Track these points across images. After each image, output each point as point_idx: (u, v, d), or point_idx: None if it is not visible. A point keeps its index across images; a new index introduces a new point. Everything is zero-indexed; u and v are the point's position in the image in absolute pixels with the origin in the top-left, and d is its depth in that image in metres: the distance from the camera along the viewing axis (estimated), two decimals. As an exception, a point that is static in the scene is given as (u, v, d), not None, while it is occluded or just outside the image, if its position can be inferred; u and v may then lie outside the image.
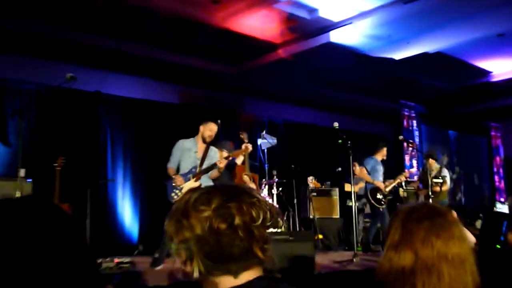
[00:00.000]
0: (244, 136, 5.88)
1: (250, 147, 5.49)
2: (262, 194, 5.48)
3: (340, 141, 5.90)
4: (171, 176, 5.07)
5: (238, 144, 7.29)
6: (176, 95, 8.34)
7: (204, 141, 5.12)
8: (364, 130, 10.57)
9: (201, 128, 5.20)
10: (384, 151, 7.35)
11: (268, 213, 1.04)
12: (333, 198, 8.45)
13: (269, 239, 1.03)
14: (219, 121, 5.36)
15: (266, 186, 7.23)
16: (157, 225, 3.08)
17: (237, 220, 1.02)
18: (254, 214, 1.03)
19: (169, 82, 8.04)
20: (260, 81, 8.23)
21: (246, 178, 6.57)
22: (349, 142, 5.82)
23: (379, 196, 6.98)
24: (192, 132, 5.36)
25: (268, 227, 1.04)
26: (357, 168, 7.43)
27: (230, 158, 5.19)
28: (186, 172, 5.08)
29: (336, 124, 5.88)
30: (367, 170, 7.23)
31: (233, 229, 1.01)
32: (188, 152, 5.15)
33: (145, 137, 7.66)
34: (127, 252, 6.48)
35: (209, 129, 5.16)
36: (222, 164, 4.98)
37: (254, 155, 8.05)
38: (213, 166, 4.98)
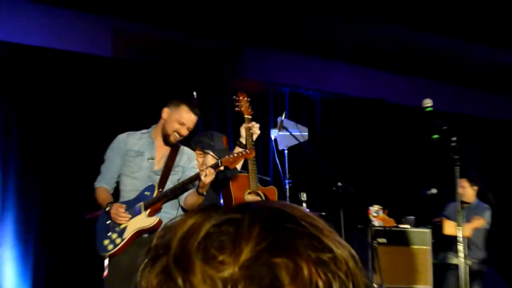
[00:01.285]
0: (242, 103, 5.59)
1: (257, 128, 5.40)
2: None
3: (436, 136, 5.42)
4: (102, 205, 4.89)
5: (232, 131, 7.52)
6: (108, 39, 8.46)
7: (167, 139, 4.90)
8: (492, 116, 11.25)
9: (165, 113, 4.91)
10: None
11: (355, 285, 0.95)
12: (419, 250, 7.90)
13: None
14: (194, 93, 5.41)
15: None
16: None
17: None
18: (322, 285, 0.92)
19: (98, 13, 8.34)
20: (274, 15, 8.60)
21: (250, 198, 5.77)
22: (454, 138, 5.40)
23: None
24: (145, 120, 5.28)
25: None
26: (469, 191, 7.57)
27: (222, 167, 4.77)
28: (132, 197, 4.82)
29: (428, 102, 5.49)
30: (490, 197, 7.04)
31: None
32: (137, 159, 4.91)
33: (47, 121, 7.73)
34: None
35: (180, 118, 4.84)
36: (208, 178, 4.56)
37: (264, 162, 8.32)
38: (187, 183, 4.71)
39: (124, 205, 4.83)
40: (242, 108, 5.66)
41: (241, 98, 5.69)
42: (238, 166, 5.74)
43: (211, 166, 4.72)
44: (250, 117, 5.59)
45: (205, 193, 4.77)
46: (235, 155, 4.85)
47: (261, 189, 5.96)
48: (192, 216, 1.00)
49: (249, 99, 5.73)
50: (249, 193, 5.82)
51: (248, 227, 0.95)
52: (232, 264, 0.92)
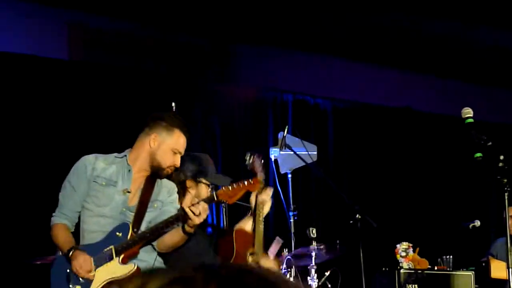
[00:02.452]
0: (253, 160, 5.68)
1: (269, 197, 5.60)
2: None
3: (479, 154, 5.41)
4: (62, 248, 4.84)
5: (221, 151, 8.01)
6: (64, 38, 8.53)
7: (158, 173, 4.95)
8: None
9: (154, 141, 4.92)
10: None
11: None
12: None
13: None
14: (173, 104, 5.68)
15: (293, 267, 7.05)
16: None
17: None
18: None
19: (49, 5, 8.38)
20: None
21: (251, 259, 5.83)
22: (502, 157, 5.44)
23: None
24: (117, 140, 5.47)
25: None
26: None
27: (223, 200, 4.97)
28: (100, 239, 4.81)
29: (468, 112, 5.52)
30: None
31: None
32: (107, 189, 4.90)
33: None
34: None
35: (176, 146, 4.91)
36: (201, 217, 4.61)
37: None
38: (173, 222, 4.75)
39: (86, 252, 4.76)
40: (255, 169, 5.61)
41: (253, 158, 5.68)
42: (247, 225, 5.99)
43: (204, 201, 4.70)
44: (263, 180, 5.59)
45: (191, 231, 4.73)
46: (235, 186, 4.81)
47: (265, 256, 6.02)
48: (132, 280, 1.05)
49: (261, 159, 5.78)
50: (251, 253, 5.85)
51: (203, 285, 1.00)
52: None
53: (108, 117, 7.62)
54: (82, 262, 4.68)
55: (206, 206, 4.65)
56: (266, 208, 5.68)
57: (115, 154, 5.02)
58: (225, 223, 6.99)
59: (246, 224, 5.94)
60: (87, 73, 8.20)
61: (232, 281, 1.04)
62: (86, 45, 8.57)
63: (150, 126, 4.93)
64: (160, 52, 8.83)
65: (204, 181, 5.30)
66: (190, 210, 4.62)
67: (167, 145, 4.90)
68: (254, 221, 5.86)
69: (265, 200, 5.59)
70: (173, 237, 4.80)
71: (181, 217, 4.72)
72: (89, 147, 5.39)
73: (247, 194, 5.73)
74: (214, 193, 4.84)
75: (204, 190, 5.24)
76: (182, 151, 4.99)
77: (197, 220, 4.62)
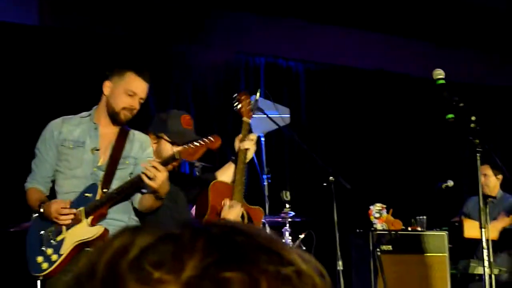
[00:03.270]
0: (244, 103, 5.70)
1: (253, 144, 5.59)
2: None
3: (450, 115, 5.49)
4: (34, 207, 4.86)
5: (195, 114, 6.95)
6: (34, 3, 8.44)
7: (115, 119, 4.92)
8: None
9: (107, 88, 4.93)
10: None
11: None
12: (433, 258, 7.98)
13: None
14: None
15: (267, 230, 7.07)
16: None
17: None
18: None
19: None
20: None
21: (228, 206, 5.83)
22: (473, 118, 5.52)
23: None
24: (84, 101, 5.33)
25: None
26: (493, 180, 7.72)
27: (179, 160, 4.93)
28: (72, 202, 4.77)
29: (439, 74, 5.56)
30: None
31: None
32: (76, 150, 4.89)
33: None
34: None
35: (129, 87, 4.89)
36: (157, 181, 4.53)
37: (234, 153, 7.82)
38: (138, 181, 4.67)
39: (67, 201, 4.74)
40: (242, 109, 5.67)
41: (243, 97, 5.73)
42: (225, 176, 6.03)
43: (164, 161, 4.69)
44: (250, 121, 5.65)
45: (163, 197, 4.74)
46: (196, 143, 4.82)
47: (245, 207, 5.99)
48: (119, 236, 1.03)
49: (251, 102, 5.81)
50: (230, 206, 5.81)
51: (191, 241, 0.98)
52: (174, 282, 0.94)
53: (80, 83, 7.54)
54: (58, 206, 4.68)
55: (161, 167, 4.61)
56: (249, 155, 5.69)
57: (83, 113, 5.03)
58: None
59: (227, 171, 5.96)
60: (58, 39, 8.14)
61: (221, 238, 1.03)
62: (55, 11, 8.45)
63: (108, 77, 4.95)
64: (131, 16, 8.75)
65: (164, 137, 5.30)
66: (144, 174, 4.61)
67: (119, 87, 4.89)
68: (234, 171, 5.87)
69: (247, 146, 5.59)
70: (148, 200, 4.82)
71: (135, 183, 4.75)
72: (62, 113, 5.29)
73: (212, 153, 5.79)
74: (175, 151, 4.82)
75: (166, 147, 5.23)
76: (139, 92, 4.96)
77: (154, 184, 4.60)
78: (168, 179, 4.75)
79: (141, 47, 8.41)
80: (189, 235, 1.00)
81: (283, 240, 0.97)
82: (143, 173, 4.59)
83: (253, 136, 5.59)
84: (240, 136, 5.51)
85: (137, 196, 4.89)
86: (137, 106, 4.89)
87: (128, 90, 4.84)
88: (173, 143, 5.14)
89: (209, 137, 4.89)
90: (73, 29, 8.39)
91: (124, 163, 4.88)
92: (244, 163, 5.79)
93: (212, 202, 5.69)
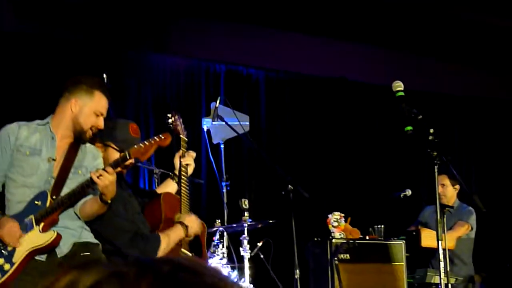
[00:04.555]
0: (177, 123, 5.78)
1: (192, 159, 5.67)
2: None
3: (409, 128, 5.55)
4: None
5: (153, 122, 8.02)
6: None
7: (81, 136, 4.90)
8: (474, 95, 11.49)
9: (75, 105, 4.86)
10: None
11: None
12: (390, 267, 7.98)
13: None
14: (105, 75, 5.59)
15: (225, 237, 7.23)
16: None
17: None
18: None
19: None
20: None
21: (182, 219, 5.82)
22: (431, 130, 5.58)
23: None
24: (37, 108, 5.53)
25: None
26: (450, 190, 7.83)
27: (132, 160, 4.82)
28: (22, 209, 4.72)
29: (398, 86, 5.63)
30: (477, 201, 6.75)
31: None
32: (31, 158, 4.82)
33: None
34: None
35: (98, 108, 4.89)
36: (105, 180, 4.53)
37: (194, 160, 7.39)
38: (88, 185, 4.64)
39: (13, 220, 4.66)
40: (178, 128, 5.75)
41: (175, 117, 5.83)
42: (170, 187, 6.04)
43: (114, 163, 4.67)
44: (186, 139, 5.71)
45: (109, 201, 4.71)
46: (146, 142, 4.82)
47: (192, 219, 5.90)
48: (67, 273, 1.05)
49: (181, 119, 5.90)
50: (179, 222, 5.76)
51: (136, 280, 1.00)
52: None
53: (40, 88, 7.45)
54: (9, 228, 4.64)
55: (111, 169, 4.60)
56: (190, 170, 5.72)
57: (37, 121, 4.95)
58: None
59: (168, 187, 5.96)
60: (19, 43, 8.05)
61: (167, 276, 1.06)
62: (17, 15, 8.35)
63: (70, 91, 4.88)
64: (92, 22, 8.67)
65: (112, 145, 5.28)
66: (95, 175, 4.59)
67: (89, 107, 4.86)
68: (179, 184, 5.89)
69: (188, 162, 5.63)
70: (93, 205, 4.77)
71: (85, 186, 4.68)
72: (19, 117, 5.21)
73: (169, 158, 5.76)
74: (126, 152, 4.79)
75: (114, 155, 5.19)
76: (104, 112, 4.97)
77: (101, 182, 4.58)
78: (116, 183, 4.73)
79: (101, 52, 8.33)
80: (135, 274, 1.02)
81: (228, 277, 1.02)
82: (94, 173, 4.54)
83: (193, 153, 5.66)
84: (180, 152, 5.57)
85: (79, 203, 4.84)
86: (102, 125, 4.89)
87: (97, 111, 4.85)
88: (121, 151, 5.12)
89: (159, 135, 4.90)
90: (33, 34, 8.27)
91: (76, 173, 4.86)
92: (186, 178, 5.84)
93: (166, 212, 5.70)
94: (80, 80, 4.89)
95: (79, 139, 4.89)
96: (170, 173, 5.79)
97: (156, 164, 7.76)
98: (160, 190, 6.03)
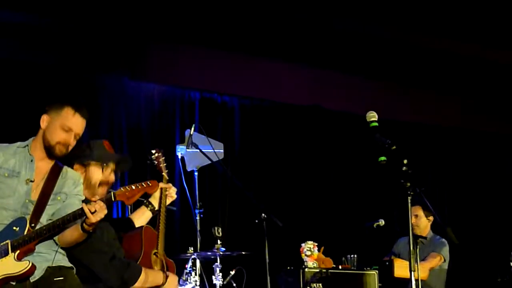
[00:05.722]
0: (160, 160, 5.88)
1: (174, 192, 5.73)
2: None
3: (383, 158, 5.46)
4: None
5: (127, 147, 7.90)
6: None
7: (50, 152, 4.83)
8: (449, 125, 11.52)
9: (44, 121, 4.86)
10: None
11: None
12: None
13: None
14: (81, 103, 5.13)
15: (197, 265, 7.23)
16: None
17: None
18: None
19: None
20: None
21: (153, 259, 5.79)
22: (405, 161, 5.45)
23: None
24: (23, 137, 5.06)
25: None
26: (424, 221, 7.90)
27: (121, 201, 4.78)
28: None
29: (372, 116, 5.55)
30: (450, 234, 6.55)
31: None
32: (10, 180, 4.75)
33: None
34: None
35: (66, 122, 4.82)
36: (98, 215, 4.47)
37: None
38: (70, 220, 4.55)
39: None
40: (161, 165, 5.81)
41: (158, 155, 5.88)
42: (141, 219, 6.00)
43: (103, 200, 4.62)
44: (168, 177, 5.72)
45: (90, 231, 4.65)
46: (134, 187, 4.79)
47: (165, 258, 5.96)
48: None
49: (164, 157, 5.94)
50: (155, 253, 5.83)
51: None
52: None
53: (13, 113, 7.41)
54: None
55: (103, 205, 4.57)
56: (168, 201, 5.75)
57: (18, 143, 4.90)
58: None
59: (143, 215, 5.92)
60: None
61: None
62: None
63: (46, 111, 4.87)
64: (65, 48, 8.60)
65: (92, 162, 5.25)
66: (87, 208, 4.52)
67: (56, 122, 4.84)
68: (158, 219, 5.84)
69: (174, 196, 5.68)
70: (73, 233, 4.69)
71: (78, 215, 4.60)
72: None
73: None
74: (112, 193, 4.75)
75: (96, 171, 5.21)
76: (75, 128, 4.90)
77: (93, 219, 4.53)
78: None
79: (75, 77, 8.25)
80: None
81: None
82: (88, 206, 4.49)
83: (175, 189, 5.68)
84: (160, 184, 5.54)
85: (63, 232, 4.75)
86: (72, 141, 4.82)
87: (64, 126, 4.79)
88: (102, 163, 5.13)
89: (146, 181, 4.88)
90: (7, 60, 8.18)
91: (55, 199, 4.80)
92: (164, 210, 5.82)
93: (146, 248, 5.66)
94: (58, 99, 4.88)
95: (50, 155, 4.83)
96: (144, 201, 5.73)
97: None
98: (135, 218, 5.96)
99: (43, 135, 4.82)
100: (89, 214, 4.45)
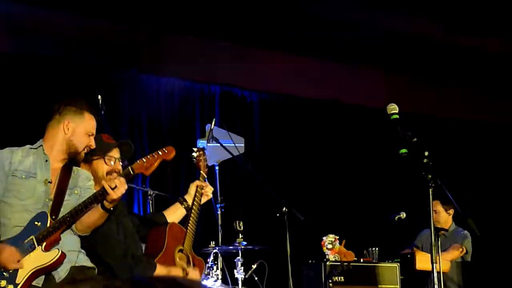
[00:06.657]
0: (201, 158, 5.90)
1: (210, 191, 5.76)
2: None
3: (404, 150, 5.52)
4: None
5: (147, 143, 7.90)
6: None
7: (75, 158, 4.93)
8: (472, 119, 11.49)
9: (69, 127, 4.88)
10: None
11: None
12: None
13: None
14: (100, 97, 5.76)
15: (219, 259, 7.24)
16: None
17: None
18: None
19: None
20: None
21: (177, 258, 5.78)
22: (426, 153, 5.54)
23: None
24: (27, 129, 5.58)
25: None
26: (444, 215, 7.90)
27: (140, 172, 4.84)
28: (19, 232, 4.67)
29: (393, 108, 5.64)
30: (471, 226, 6.60)
31: None
32: (27, 181, 4.78)
33: None
34: None
35: (89, 128, 4.90)
36: (119, 190, 4.53)
37: (187, 182, 7.16)
38: (91, 202, 4.63)
39: (10, 245, 4.63)
40: (200, 164, 5.82)
41: (200, 153, 5.90)
42: (175, 215, 6.00)
43: (122, 175, 4.65)
44: (206, 176, 5.72)
45: (112, 209, 4.69)
46: (149, 157, 4.79)
47: (192, 255, 5.99)
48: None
49: (206, 156, 5.97)
50: (180, 250, 5.85)
51: None
52: None
53: (33, 108, 7.35)
54: (8, 255, 4.58)
55: (122, 179, 4.60)
56: (203, 200, 5.77)
57: (29, 145, 4.94)
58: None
59: (176, 211, 5.93)
60: (13, 63, 8.00)
61: None
62: (9, 35, 8.32)
63: (60, 113, 4.87)
64: (87, 42, 8.60)
65: (95, 157, 5.24)
66: (107, 184, 4.57)
67: (81, 128, 4.87)
68: (189, 216, 5.87)
69: (210, 195, 5.69)
70: (93, 215, 4.76)
71: (99, 195, 4.65)
72: (12, 141, 5.18)
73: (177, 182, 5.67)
74: (129, 167, 4.78)
75: (100, 165, 5.20)
76: (94, 132, 4.96)
77: (115, 195, 4.59)
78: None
79: (95, 73, 8.26)
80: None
81: None
82: (108, 183, 4.53)
83: (211, 188, 5.68)
84: (197, 182, 5.56)
85: (82, 220, 4.78)
86: (93, 144, 4.89)
87: (89, 131, 4.85)
88: (103, 155, 5.15)
89: (162, 149, 4.88)
90: (26, 54, 8.20)
91: (72, 193, 4.84)
92: (197, 211, 5.83)
93: (168, 244, 5.69)
94: (69, 102, 4.90)
95: (73, 160, 4.87)
96: (180, 198, 5.76)
97: (151, 185, 7.70)
98: (167, 213, 6.01)
99: (68, 142, 4.85)
100: (109, 190, 4.49)
